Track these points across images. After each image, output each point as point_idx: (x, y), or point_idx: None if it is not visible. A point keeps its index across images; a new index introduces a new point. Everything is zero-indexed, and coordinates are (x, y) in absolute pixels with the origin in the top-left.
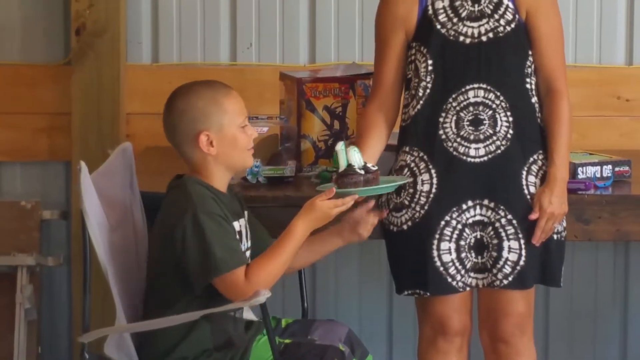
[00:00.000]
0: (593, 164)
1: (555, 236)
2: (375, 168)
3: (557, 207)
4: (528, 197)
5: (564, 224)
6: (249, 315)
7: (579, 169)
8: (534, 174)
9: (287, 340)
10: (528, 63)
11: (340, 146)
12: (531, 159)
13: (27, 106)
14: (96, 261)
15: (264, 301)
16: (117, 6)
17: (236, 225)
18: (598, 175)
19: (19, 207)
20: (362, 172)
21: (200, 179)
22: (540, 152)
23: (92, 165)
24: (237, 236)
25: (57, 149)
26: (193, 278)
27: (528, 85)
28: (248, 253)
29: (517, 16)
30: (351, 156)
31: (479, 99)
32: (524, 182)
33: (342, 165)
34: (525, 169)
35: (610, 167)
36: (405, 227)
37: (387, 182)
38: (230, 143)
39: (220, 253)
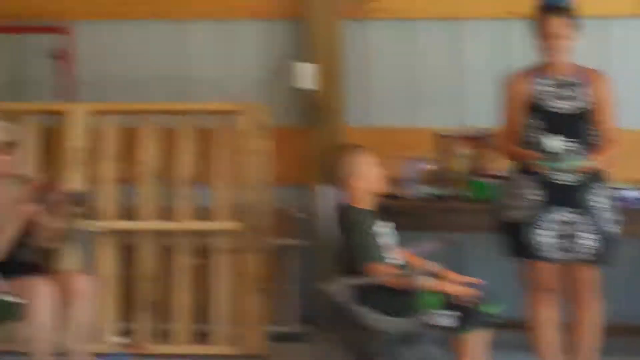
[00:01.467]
0: None
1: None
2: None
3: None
4: (595, 210)
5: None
6: None
7: None
8: (597, 194)
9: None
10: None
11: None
12: (596, 186)
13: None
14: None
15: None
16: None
17: (378, 228)
18: None
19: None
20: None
21: (354, 206)
22: (599, 182)
23: None
24: (383, 235)
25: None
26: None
27: (593, 140)
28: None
29: (590, 100)
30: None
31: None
32: (592, 199)
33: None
34: (593, 191)
35: None
36: (514, 218)
37: (571, 160)
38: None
39: (363, 250)
